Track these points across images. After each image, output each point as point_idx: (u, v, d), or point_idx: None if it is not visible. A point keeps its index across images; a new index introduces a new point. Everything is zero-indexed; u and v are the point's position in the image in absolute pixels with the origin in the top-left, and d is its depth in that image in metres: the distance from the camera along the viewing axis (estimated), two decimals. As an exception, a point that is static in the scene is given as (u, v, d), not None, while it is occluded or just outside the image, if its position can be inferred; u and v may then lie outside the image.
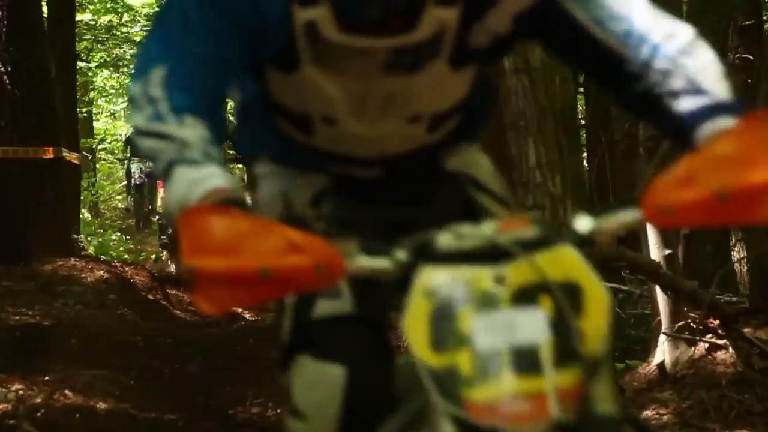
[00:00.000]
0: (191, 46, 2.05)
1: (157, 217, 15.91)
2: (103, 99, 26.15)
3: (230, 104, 2.66)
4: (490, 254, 1.75)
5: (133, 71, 2.13)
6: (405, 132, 2.33)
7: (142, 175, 18.62)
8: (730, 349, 6.25)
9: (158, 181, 15.26)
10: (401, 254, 1.79)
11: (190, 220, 1.70)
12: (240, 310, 11.95)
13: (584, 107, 8.45)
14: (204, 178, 1.88)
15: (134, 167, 19.38)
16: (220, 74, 2.09)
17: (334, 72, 2.19)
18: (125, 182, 21.07)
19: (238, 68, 2.17)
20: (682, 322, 6.35)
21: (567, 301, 1.78)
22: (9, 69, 11.46)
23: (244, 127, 2.55)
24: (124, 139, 21.71)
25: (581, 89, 9.10)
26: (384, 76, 2.19)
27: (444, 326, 1.70)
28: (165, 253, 14.93)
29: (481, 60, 2.28)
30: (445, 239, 1.78)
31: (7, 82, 11.47)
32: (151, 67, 2.04)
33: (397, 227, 2.10)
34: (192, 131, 1.95)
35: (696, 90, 2.02)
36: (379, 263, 1.79)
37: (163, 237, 14.39)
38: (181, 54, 2.05)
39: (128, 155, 19.96)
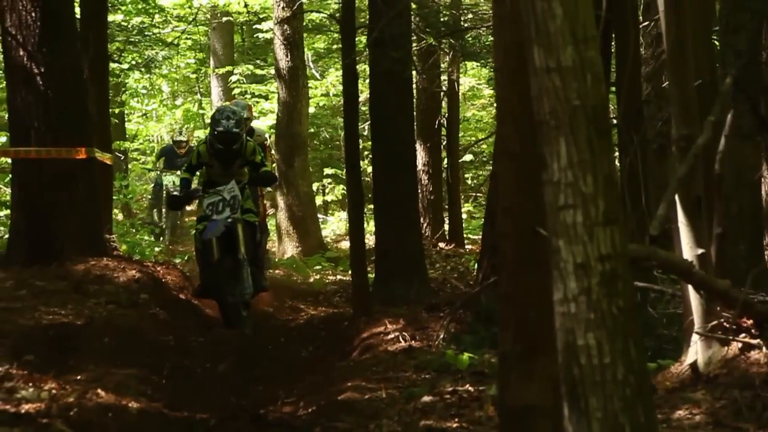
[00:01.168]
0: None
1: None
2: (136, 100, 26.26)
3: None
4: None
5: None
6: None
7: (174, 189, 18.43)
8: (764, 349, 6.21)
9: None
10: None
11: None
12: (272, 309, 11.96)
13: (616, 106, 8.41)
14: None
15: (167, 180, 19.36)
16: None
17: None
18: (151, 197, 20.89)
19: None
20: (715, 322, 6.32)
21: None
22: (42, 70, 11.52)
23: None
24: (156, 153, 21.67)
25: (613, 88, 9.06)
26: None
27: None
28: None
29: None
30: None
31: (40, 83, 11.53)
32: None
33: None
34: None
35: None
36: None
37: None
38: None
39: (160, 168, 19.93)
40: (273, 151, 17.67)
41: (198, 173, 11.84)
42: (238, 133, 11.09)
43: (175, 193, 11.89)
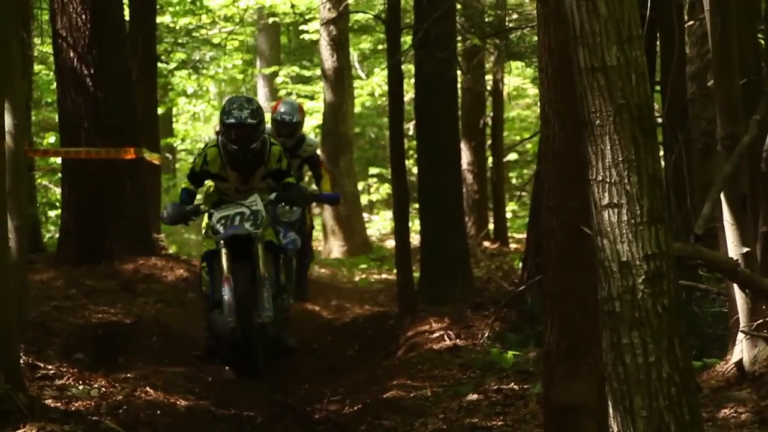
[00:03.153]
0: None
1: None
2: (183, 100, 26.39)
3: None
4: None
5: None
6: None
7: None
8: (810, 348, 6.19)
9: None
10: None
11: None
12: (317, 308, 12.00)
13: (661, 105, 8.40)
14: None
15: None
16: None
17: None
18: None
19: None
20: (761, 320, 6.31)
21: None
22: (92, 71, 11.64)
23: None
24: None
25: (658, 87, 9.04)
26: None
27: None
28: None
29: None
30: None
31: (90, 84, 11.65)
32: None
33: None
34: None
35: None
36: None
37: None
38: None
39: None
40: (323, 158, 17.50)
41: (208, 189, 9.33)
42: (255, 125, 8.29)
43: (165, 210, 8.56)
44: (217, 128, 8.82)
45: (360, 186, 22.07)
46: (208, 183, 8.97)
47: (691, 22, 11.68)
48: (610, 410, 3.95)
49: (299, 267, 10.68)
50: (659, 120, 8.50)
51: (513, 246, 18.79)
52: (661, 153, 8.94)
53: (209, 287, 8.46)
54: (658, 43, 9.17)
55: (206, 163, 8.42)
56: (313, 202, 11.02)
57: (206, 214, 8.60)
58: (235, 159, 8.30)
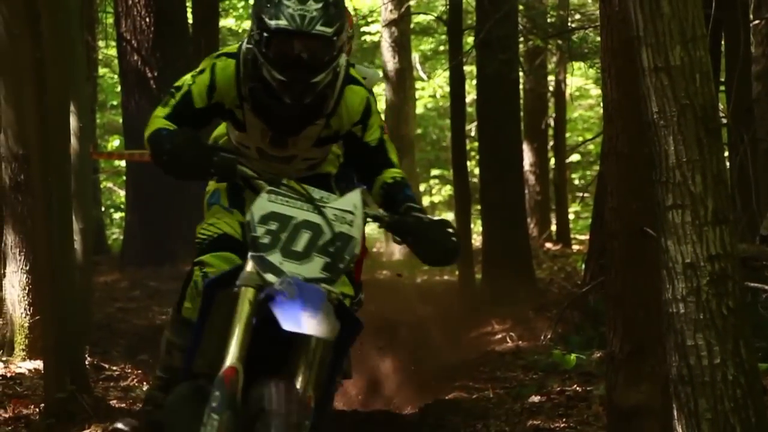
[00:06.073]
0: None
1: None
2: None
3: None
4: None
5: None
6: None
7: None
8: None
9: None
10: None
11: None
12: (379, 310, 12.01)
13: (725, 105, 8.32)
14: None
15: None
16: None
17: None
18: None
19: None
20: (828, 323, 6.23)
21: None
22: (155, 74, 11.74)
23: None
24: None
25: (722, 87, 8.96)
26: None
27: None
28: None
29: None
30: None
31: (154, 87, 11.75)
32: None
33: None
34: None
35: None
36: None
37: None
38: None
39: None
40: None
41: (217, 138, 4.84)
42: (328, 39, 4.10)
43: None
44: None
45: (422, 188, 22.06)
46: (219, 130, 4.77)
47: (756, 21, 11.56)
48: (675, 413, 3.93)
49: None
50: (724, 120, 8.42)
51: (575, 247, 18.70)
52: (726, 153, 8.86)
53: (188, 337, 4.17)
54: (723, 42, 9.08)
55: (214, 88, 4.26)
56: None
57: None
58: (271, 100, 4.16)
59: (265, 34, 4.07)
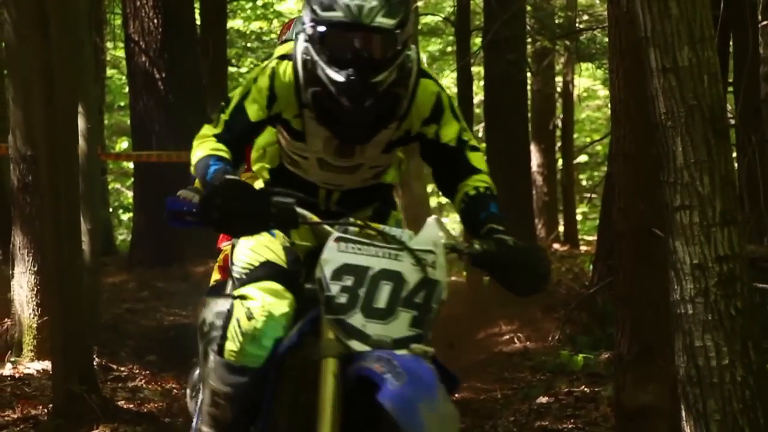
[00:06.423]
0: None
1: None
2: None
3: None
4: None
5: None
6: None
7: None
8: None
9: None
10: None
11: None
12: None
13: (733, 106, 8.31)
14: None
15: None
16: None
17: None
18: None
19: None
20: (837, 324, 6.22)
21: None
22: (163, 75, 11.75)
23: None
24: None
25: (730, 88, 8.95)
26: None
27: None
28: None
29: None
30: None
31: (162, 88, 11.76)
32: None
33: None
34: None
35: None
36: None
37: None
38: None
39: None
40: None
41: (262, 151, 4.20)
42: (392, 33, 3.57)
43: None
44: (297, 36, 3.79)
45: (429, 188, 22.05)
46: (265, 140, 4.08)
47: (764, 22, 11.55)
48: (683, 414, 3.92)
49: None
50: (732, 121, 8.42)
51: (583, 248, 18.69)
52: (734, 154, 8.85)
53: (238, 387, 3.73)
54: (731, 43, 9.07)
55: (274, 97, 3.74)
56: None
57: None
58: (333, 105, 3.64)
59: (318, 28, 3.56)
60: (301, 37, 3.66)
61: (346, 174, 3.86)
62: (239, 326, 3.59)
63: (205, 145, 3.67)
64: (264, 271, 3.69)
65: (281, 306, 3.59)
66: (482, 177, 3.80)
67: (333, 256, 3.35)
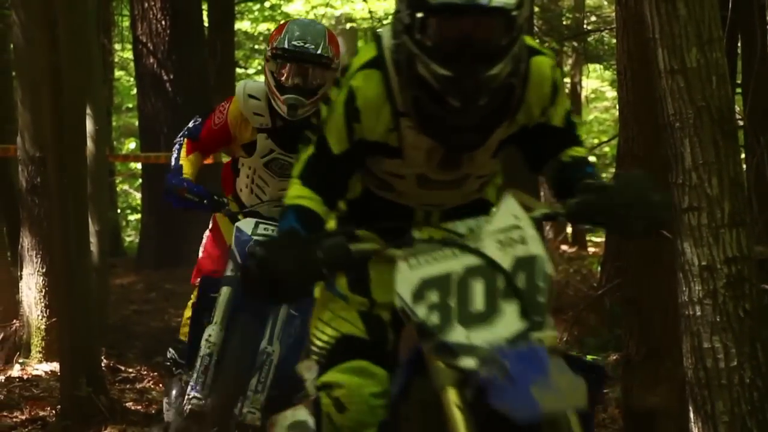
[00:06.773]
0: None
1: None
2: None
3: None
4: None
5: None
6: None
7: None
8: None
9: None
10: None
11: None
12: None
13: (742, 107, 8.30)
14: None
15: None
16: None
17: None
18: None
19: None
20: None
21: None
22: (171, 77, 11.76)
23: None
24: None
25: (739, 89, 8.94)
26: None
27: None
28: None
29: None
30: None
31: (170, 89, 11.77)
32: None
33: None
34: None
35: None
36: None
37: None
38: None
39: None
40: None
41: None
42: (507, 13, 2.88)
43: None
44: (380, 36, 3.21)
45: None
46: None
47: (772, 23, 11.53)
48: (691, 415, 3.92)
49: None
50: (740, 122, 8.41)
51: (591, 250, 18.67)
52: (743, 156, 8.83)
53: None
54: (739, 44, 9.06)
55: (355, 117, 3.08)
56: None
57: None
58: (439, 107, 2.98)
59: (419, 15, 2.85)
60: (390, 34, 3.03)
61: (449, 189, 3.21)
62: (332, 422, 3.07)
63: (292, 191, 3.09)
64: (343, 350, 3.13)
65: (371, 386, 3.03)
66: (580, 148, 3.20)
67: (406, 276, 2.81)
